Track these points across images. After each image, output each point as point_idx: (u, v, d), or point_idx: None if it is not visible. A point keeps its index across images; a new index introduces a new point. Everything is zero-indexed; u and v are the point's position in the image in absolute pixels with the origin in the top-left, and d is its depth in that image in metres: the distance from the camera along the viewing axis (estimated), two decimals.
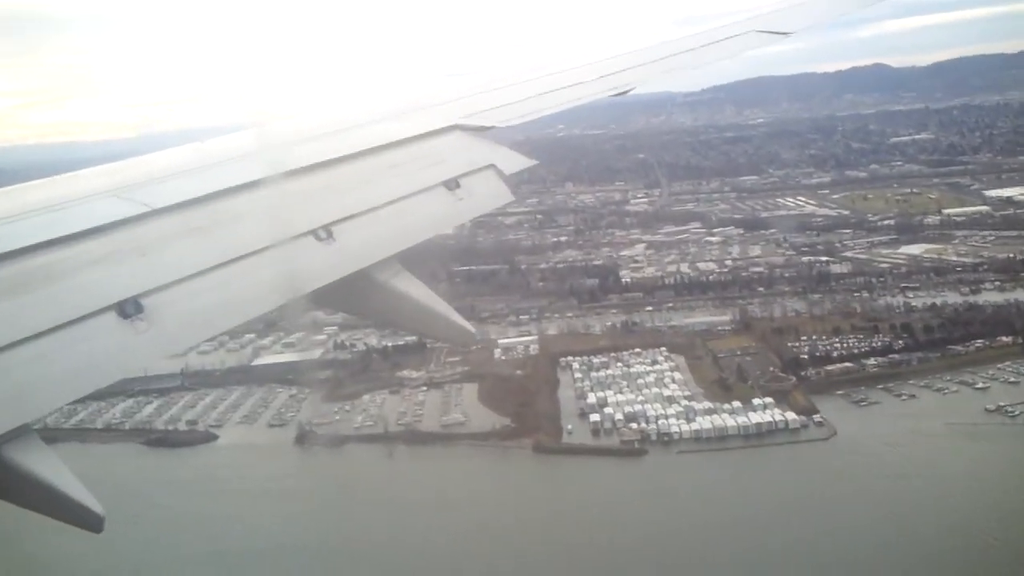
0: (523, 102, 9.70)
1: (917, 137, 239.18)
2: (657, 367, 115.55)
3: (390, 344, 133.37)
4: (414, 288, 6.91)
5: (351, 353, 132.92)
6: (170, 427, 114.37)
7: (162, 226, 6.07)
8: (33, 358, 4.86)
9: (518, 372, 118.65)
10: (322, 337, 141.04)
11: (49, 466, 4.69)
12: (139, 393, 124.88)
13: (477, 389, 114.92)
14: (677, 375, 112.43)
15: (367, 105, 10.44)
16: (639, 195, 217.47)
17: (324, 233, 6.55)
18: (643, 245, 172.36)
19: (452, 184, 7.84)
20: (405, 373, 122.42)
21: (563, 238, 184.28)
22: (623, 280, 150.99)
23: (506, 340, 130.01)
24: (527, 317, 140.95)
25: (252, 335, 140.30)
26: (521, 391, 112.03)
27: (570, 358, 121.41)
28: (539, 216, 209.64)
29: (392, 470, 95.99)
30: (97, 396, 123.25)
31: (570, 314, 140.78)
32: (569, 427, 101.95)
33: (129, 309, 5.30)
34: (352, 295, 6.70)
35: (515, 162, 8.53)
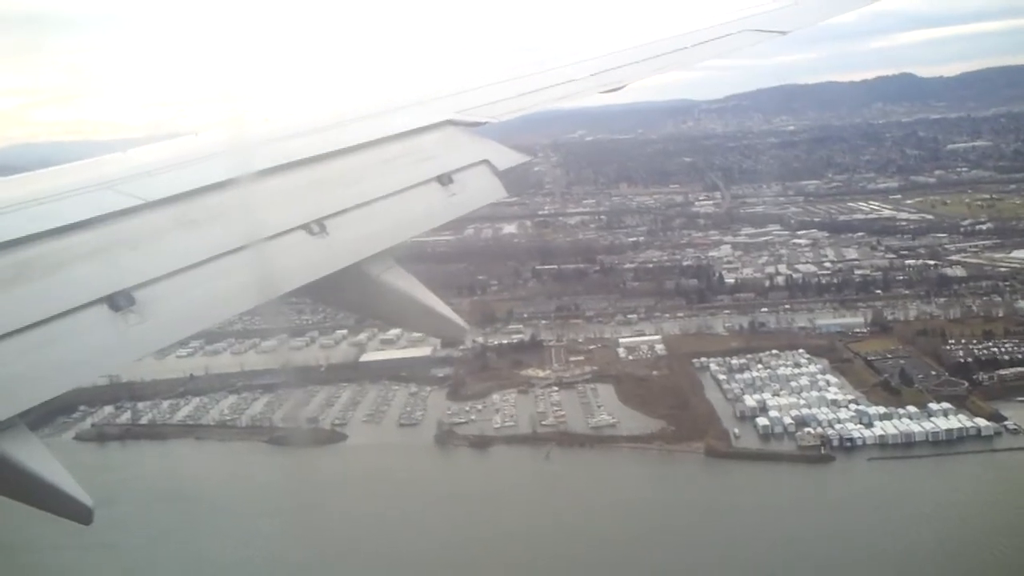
0: (516, 98, 9.30)
1: (976, 144, 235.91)
2: (804, 370, 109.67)
3: (504, 341, 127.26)
4: (407, 283, 6.63)
5: (461, 350, 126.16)
6: (290, 425, 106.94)
7: (154, 219, 5.96)
8: (24, 350, 4.74)
9: (654, 373, 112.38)
10: (420, 334, 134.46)
11: (39, 458, 4.59)
12: (242, 389, 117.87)
13: (615, 390, 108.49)
14: (830, 378, 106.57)
15: (361, 100, 10.16)
16: (701, 197, 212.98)
17: (317, 227, 6.37)
18: (728, 246, 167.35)
19: (445, 179, 7.52)
20: (530, 372, 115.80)
21: (640, 238, 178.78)
22: (726, 281, 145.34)
23: (627, 339, 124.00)
24: (635, 316, 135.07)
25: (344, 331, 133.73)
26: (665, 393, 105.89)
27: (704, 359, 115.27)
28: (602, 217, 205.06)
29: (567, 473, 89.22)
30: (197, 391, 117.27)
31: (680, 314, 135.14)
32: (736, 431, 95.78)
33: (121, 302, 5.15)
34: (345, 290, 6.54)
35: (508, 157, 8.17)
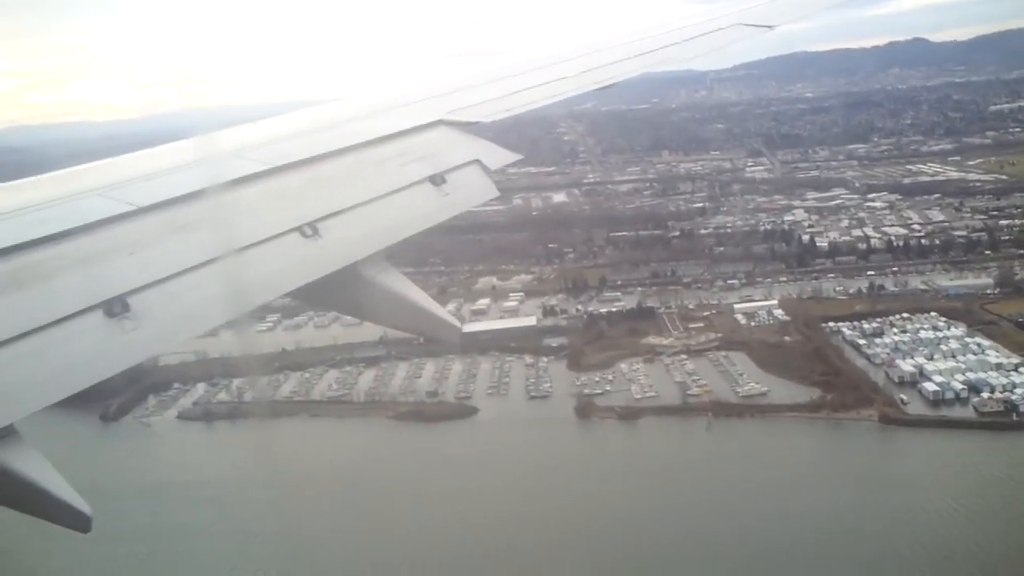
0: (508, 97, 9.09)
1: (1021, 104, 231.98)
2: (946, 333, 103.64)
3: (611, 309, 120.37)
4: (401, 284, 6.48)
5: (566, 319, 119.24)
6: (409, 399, 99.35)
7: (148, 225, 5.88)
8: (19, 358, 4.65)
9: (785, 339, 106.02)
10: (512, 303, 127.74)
11: (35, 466, 4.50)
12: (343, 363, 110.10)
13: (749, 357, 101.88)
14: (981, 341, 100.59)
15: (353, 100, 10.13)
16: (748, 163, 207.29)
17: (310, 230, 6.28)
18: (800, 210, 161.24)
19: (438, 179, 7.38)
20: (651, 340, 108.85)
21: (705, 204, 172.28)
22: (819, 244, 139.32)
23: (741, 305, 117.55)
24: (736, 282, 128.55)
25: None
26: (807, 359, 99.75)
27: (832, 323, 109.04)
28: (654, 184, 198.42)
29: (743, 444, 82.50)
30: (294, 366, 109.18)
31: (783, 278, 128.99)
32: (903, 397, 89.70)
33: (116, 308, 5.07)
34: (338, 292, 6.44)
35: (499, 157, 8.02)
